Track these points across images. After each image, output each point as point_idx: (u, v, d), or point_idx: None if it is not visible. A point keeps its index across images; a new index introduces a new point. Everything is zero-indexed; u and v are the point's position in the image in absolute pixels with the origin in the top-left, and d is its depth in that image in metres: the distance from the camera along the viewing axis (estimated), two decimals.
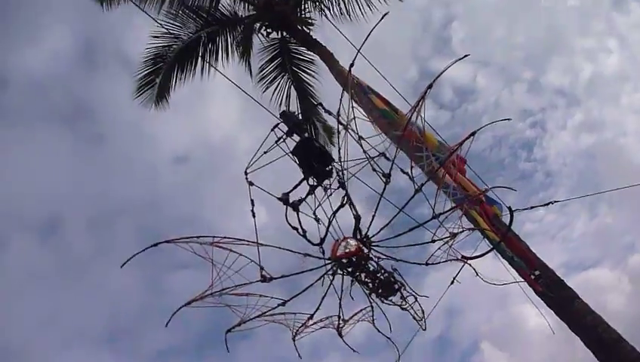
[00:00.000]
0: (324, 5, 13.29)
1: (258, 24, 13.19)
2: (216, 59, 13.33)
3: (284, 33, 13.35)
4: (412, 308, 6.67)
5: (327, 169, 6.17)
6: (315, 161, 6.08)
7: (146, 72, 13.26)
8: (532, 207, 7.30)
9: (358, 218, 6.08)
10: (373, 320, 6.73)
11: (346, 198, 6.13)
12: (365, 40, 6.05)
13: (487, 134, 34.73)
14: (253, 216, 6.16)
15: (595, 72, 37.10)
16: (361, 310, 6.71)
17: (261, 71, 14.08)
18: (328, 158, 6.18)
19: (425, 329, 6.90)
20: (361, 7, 13.11)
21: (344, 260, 5.99)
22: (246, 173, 6.25)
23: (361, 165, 6.30)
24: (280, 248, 6.25)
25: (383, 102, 10.25)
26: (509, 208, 6.31)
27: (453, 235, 6.34)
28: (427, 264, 6.44)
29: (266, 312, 6.17)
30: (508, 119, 7.04)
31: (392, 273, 6.29)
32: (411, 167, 6.26)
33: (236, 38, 13.45)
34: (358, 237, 6.14)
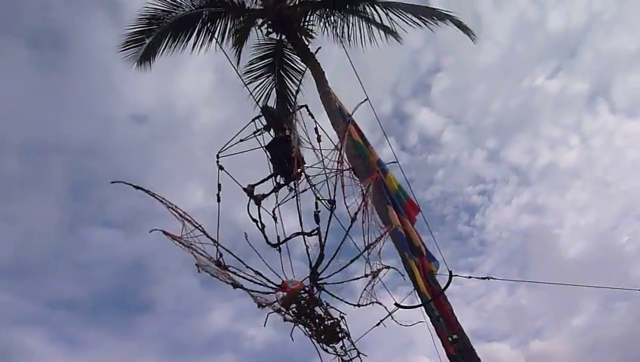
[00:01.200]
0: (329, 23, 13.55)
1: (261, 20, 13.31)
2: (211, 40, 13.30)
3: (283, 37, 13.50)
4: None
5: (298, 171, 6.38)
6: (286, 161, 6.29)
7: (137, 29, 13.06)
8: (470, 277, 7.69)
9: (321, 256, 6.22)
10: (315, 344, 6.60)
11: (316, 231, 6.18)
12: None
13: (437, 188, 35.77)
14: (218, 201, 6.28)
15: (552, 161, 38.94)
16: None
17: (250, 65, 14.14)
18: (300, 161, 6.39)
19: None
20: (362, 36, 13.48)
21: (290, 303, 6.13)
22: (217, 157, 6.40)
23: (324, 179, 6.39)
24: (235, 256, 6.30)
25: (359, 133, 10.53)
26: (450, 272, 6.72)
27: (376, 272, 6.68)
28: (359, 306, 6.68)
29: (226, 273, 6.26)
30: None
31: (339, 321, 6.46)
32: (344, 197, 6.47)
33: (235, 26, 13.49)
34: (310, 273, 6.30)
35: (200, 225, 6.24)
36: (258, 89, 14.31)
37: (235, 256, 6.35)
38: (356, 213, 6.37)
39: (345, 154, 7.35)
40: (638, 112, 39.61)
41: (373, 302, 6.78)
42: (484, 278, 7.74)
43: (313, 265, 6.24)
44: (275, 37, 13.72)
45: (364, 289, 6.72)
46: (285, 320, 6.28)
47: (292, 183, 6.53)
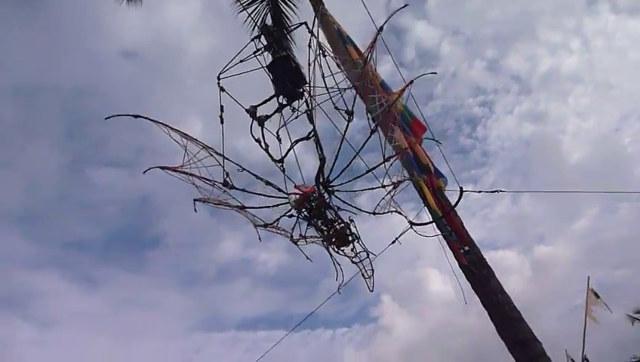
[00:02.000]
0: None
1: None
2: None
3: None
4: (362, 263, 7.06)
5: (299, 90, 6.30)
6: (288, 81, 6.21)
7: None
8: (480, 191, 7.88)
9: (323, 160, 6.35)
10: (327, 247, 6.95)
11: (312, 133, 6.30)
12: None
13: (437, 102, 35.61)
14: (222, 122, 6.26)
15: (553, 67, 38.61)
16: (316, 236, 6.95)
17: None
18: (302, 80, 6.30)
19: (372, 291, 7.28)
20: None
21: (304, 203, 6.37)
22: (219, 78, 6.29)
23: (328, 98, 6.47)
24: (244, 168, 6.49)
25: (359, 54, 10.43)
26: (460, 188, 6.89)
27: (397, 183, 6.97)
28: (375, 213, 7.01)
29: (228, 200, 6.52)
30: (434, 73, 7.61)
31: (349, 224, 6.70)
32: (367, 111, 6.82)
33: None
34: (320, 179, 6.47)
35: (205, 145, 6.35)
36: (252, 16, 13.97)
37: (244, 168, 6.52)
38: (376, 125, 6.59)
39: (348, 76, 7.39)
40: None
41: (391, 211, 7.05)
42: (493, 191, 7.94)
43: (318, 170, 6.41)
44: None
45: (383, 198, 6.97)
46: (297, 220, 6.58)
47: (294, 103, 6.46)
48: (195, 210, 6.32)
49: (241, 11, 13.93)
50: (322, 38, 11.10)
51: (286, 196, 6.49)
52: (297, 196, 6.42)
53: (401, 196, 7.32)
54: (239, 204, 6.60)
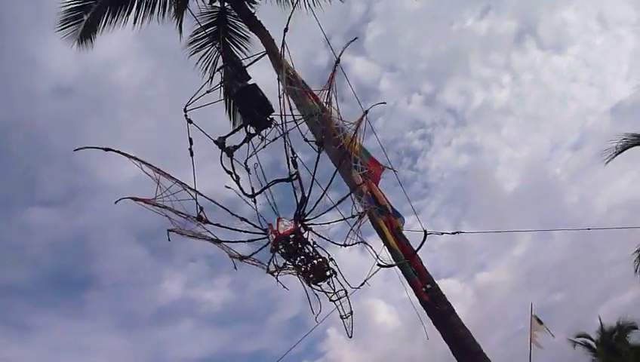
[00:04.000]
0: None
1: None
2: (152, 12, 13.03)
3: (226, 4, 13.39)
4: (340, 302, 7.07)
5: (267, 118, 6.41)
6: (256, 110, 6.31)
7: (73, 6, 12.63)
8: (442, 233, 8.27)
9: (304, 200, 6.48)
10: (302, 281, 6.89)
11: (295, 176, 6.38)
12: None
13: (378, 136, 36.52)
14: (191, 155, 6.26)
15: (486, 101, 40.48)
16: (289, 267, 6.86)
17: (195, 34, 13.96)
18: (269, 108, 6.40)
19: (351, 336, 7.24)
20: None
21: (281, 241, 6.41)
22: (185, 111, 6.33)
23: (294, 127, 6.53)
24: (218, 204, 6.60)
25: (314, 98, 10.79)
26: (425, 231, 7.25)
27: (361, 214, 7.24)
28: (345, 245, 7.09)
29: (203, 236, 6.52)
30: (384, 103, 8.04)
31: (327, 260, 6.75)
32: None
33: None
34: (299, 216, 6.57)
35: (178, 180, 6.32)
36: (203, 59, 14.18)
37: (219, 204, 6.58)
38: (344, 155, 7.16)
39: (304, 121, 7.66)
40: (564, 47, 41.57)
41: (358, 242, 7.22)
42: (454, 233, 8.38)
43: (297, 207, 6.48)
44: (218, 4, 13.54)
45: (350, 229, 7.08)
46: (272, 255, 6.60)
47: (263, 132, 6.57)
48: (169, 239, 6.26)
49: (193, 54, 14.15)
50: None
51: (262, 231, 6.51)
52: (275, 234, 6.41)
53: (364, 230, 7.54)
54: (214, 237, 6.58)
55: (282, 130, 6.37)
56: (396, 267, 8.65)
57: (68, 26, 12.69)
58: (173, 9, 13.40)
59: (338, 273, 6.85)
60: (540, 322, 16.28)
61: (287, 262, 6.60)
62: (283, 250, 6.44)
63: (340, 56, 6.55)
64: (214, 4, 13.52)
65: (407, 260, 8.13)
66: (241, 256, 6.74)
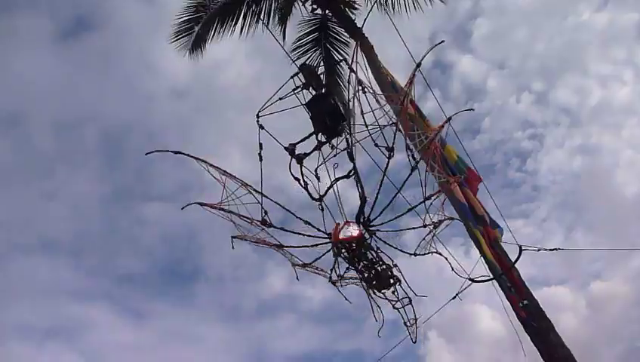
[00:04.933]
0: None
1: None
2: (257, 21, 13.55)
3: (328, 11, 13.62)
4: (405, 310, 6.90)
5: (338, 127, 6.30)
6: (327, 118, 6.21)
7: (185, 18, 13.46)
8: (539, 249, 7.94)
9: (363, 199, 6.35)
10: (366, 289, 6.79)
11: (352, 171, 6.34)
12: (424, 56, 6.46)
13: (485, 136, 35.34)
14: (260, 160, 6.33)
15: (604, 99, 37.70)
16: (355, 277, 6.81)
17: (298, 41, 14.35)
18: (341, 117, 6.31)
19: (415, 342, 7.09)
20: (407, 3, 13.40)
21: (343, 245, 6.26)
22: (257, 116, 6.39)
23: (368, 134, 6.44)
24: (283, 208, 6.57)
25: (414, 108, 10.73)
26: (520, 246, 7.00)
27: (437, 223, 6.88)
28: (415, 254, 6.93)
29: (266, 240, 6.54)
30: (471, 109, 7.56)
31: (392, 267, 6.61)
32: (408, 146, 6.68)
33: (279, 4, 13.69)
34: (361, 218, 6.44)
35: (243, 182, 6.38)
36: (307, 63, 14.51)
37: (282, 206, 6.53)
38: (417, 162, 6.56)
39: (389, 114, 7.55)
40: None
41: (432, 252, 7.00)
42: (552, 250, 8.02)
43: (359, 210, 6.40)
44: (319, 12, 13.82)
45: (423, 238, 6.89)
46: (335, 260, 6.55)
47: (333, 141, 6.48)
48: (233, 246, 6.36)
49: (297, 60, 14.52)
50: (373, 84, 11.58)
51: (326, 236, 6.44)
52: (340, 238, 6.25)
53: (448, 231, 7.34)
54: (277, 243, 6.62)
55: (350, 140, 6.41)
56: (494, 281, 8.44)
57: (181, 37, 13.53)
58: (277, 17, 13.88)
59: (402, 280, 6.71)
60: None
61: (350, 268, 6.54)
62: (346, 255, 6.34)
63: (421, 60, 6.39)
64: (316, 12, 13.76)
65: (502, 274, 7.87)
66: (303, 264, 6.78)
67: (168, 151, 6.20)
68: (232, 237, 6.37)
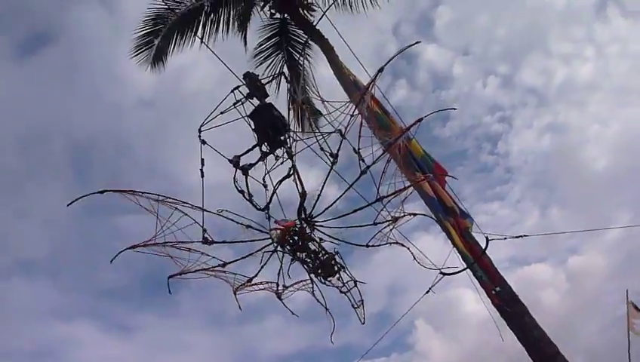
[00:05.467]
0: None
1: (262, 2, 13.54)
2: (217, 30, 13.58)
3: (286, 15, 13.71)
4: (351, 293, 7.02)
5: (281, 138, 6.24)
6: (270, 129, 6.17)
7: (144, 32, 13.40)
8: (505, 238, 8.15)
9: (303, 195, 6.34)
10: (313, 291, 6.97)
11: (292, 170, 6.29)
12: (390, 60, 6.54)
13: (455, 123, 35.78)
14: (202, 176, 6.24)
15: (569, 77, 38.37)
16: (302, 281, 6.93)
17: (258, 47, 14.41)
18: (284, 127, 6.24)
19: (363, 323, 7.16)
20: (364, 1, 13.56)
21: (286, 237, 6.30)
22: (200, 131, 6.31)
23: (315, 141, 6.40)
24: (221, 215, 6.42)
25: (377, 104, 10.87)
26: (486, 237, 7.15)
27: (395, 219, 6.82)
28: (368, 246, 6.88)
29: (208, 269, 6.35)
30: (454, 108, 7.60)
31: (334, 255, 6.64)
32: (359, 148, 6.38)
33: (237, 11, 13.73)
34: (302, 215, 6.43)
35: (177, 201, 6.21)
36: (269, 69, 14.61)
37: (219, 214, 6.41)
38: (368, 167, 6.40)
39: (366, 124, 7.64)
40: None
41: (390, 243, 7.04)
42: (517, 236, 8.23)
43: (299, 205, 6.36)
44: (278, 16, 13.89)
45: (379, 231, 6.88)
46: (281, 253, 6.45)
47: (276, 151, 6.41)
48: (170, 291, 6.25)
49: (259, 65, 14.61)
50: (336, 84, 11.69)
51: (267, 233, 6.44)
52: (278, 231, 6.31)
53: (427, 221, 7.30)
54: (220, 263, 6.48)
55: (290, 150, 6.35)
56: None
57: (141, 52, 13.46)
58: (237, 24, 13.92)
59: (345, 267, 6.74)
60: (638, 309, 15.57)
61: (294, 260, 6.55)
62: (288, 248, 6.39)
63: (384, 65, 6.42)
64: (275, 16, 13.83)
65: (472, 264, 8.05)
66: (245, 283, 6.73)
67: (93, 193, 5.88)
68: (169, 277, 6.27)
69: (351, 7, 13.52)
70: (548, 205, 37.57)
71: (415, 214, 7.52)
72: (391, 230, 6.98)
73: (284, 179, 6.41)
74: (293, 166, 6.32)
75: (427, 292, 7.53)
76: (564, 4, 37.89)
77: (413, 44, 6.99)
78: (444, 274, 7.28)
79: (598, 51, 38.29)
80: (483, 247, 8.77)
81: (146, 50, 13.49)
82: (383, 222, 6.80)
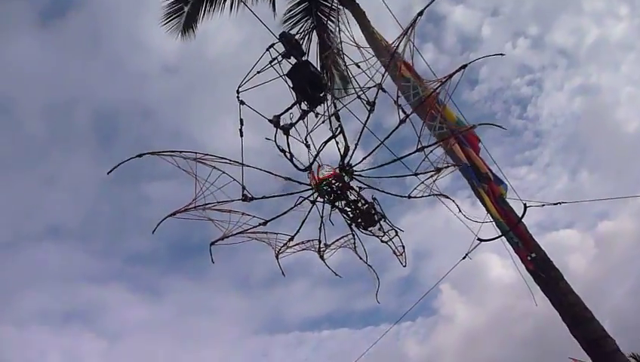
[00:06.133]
0: None
1: None
2: None
3: None
4: (392, 241, 7.01)
5: (320, 95, 6.18)
6: (309, 86, 6.06)
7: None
8: (543, 205, 8.14)
9: (347, 148, 6.36)
10: (355, 247, 7.06)
11: (338, 129, 6.34)
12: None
13: (484, 86, 35.20)
14: (241, 135, 6.20)
15: (601, 37, 37.34)
16: (342, 237, 7.01)
17: (288, 12, 14.30)
18: (323, 85, 6.21)
19: (405, 266, 7.21)
20: None
21: (325, 187, 6.29)
22: (238, 92, 6.22)
23: (353, 95, 6.50)
24: (261, 170, 6.41)
25: (409, 70, 10.78)
26: (524, 204, 7.17)
27: (438, 170, 6.88)
28: (409, 197, 6.96)
29: (248, 229, 6.37)
30: (501, 54, 7.44)
31: (372, 204, 6.63)
32: (397, 97, 6.56)
33: None
34: (342, 165, 6.42)
35: (217, 157, 6.15)
36: (299, 35, 14.48)
37: (260, 169, 6.39)
38: (407, 116, 6.45)
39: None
40: None
41: (432, 195, 7.05)
42: (555, 203, 8.22)
43: (342, 158, 6.37)
44: None
45: (422, 182, 6.89)
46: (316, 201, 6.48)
47: (318, 108, 6.35)
48: (212, 260, 6.24)
49: (290, 30, 14.50)
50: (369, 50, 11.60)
51: (308, 185, 6.41)
52: (315, 179, 6.28)
53: (454, 184, 7.02)
54: (260, 222, 6.46)
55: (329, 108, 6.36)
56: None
57: (171, 20, 13.47)
58: None
59: (385, 216, 6.71)
60: None
61: (334, 209, 6.53)
62: (327, 198, 6.37)
63: (423, 10, 6.32)
64: None
65: (508, 231, 8.09)
66: (286, 243, 6.75)
67: (131, 158, 5.82)
68: (211, 244, 6.27)
69: None
70: (577, 169, 37.14)
71: (459, 166, 7.41)
72: (434, 181, 6.98)
73: (330, 139, 6.36)
74: (340, 125, 6.29)
75: (464, 258, 7.63)
76: None
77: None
78: (482, 240, 7.35)
79: (633, 10, 37.08)
80: (518, 214, 8.84)
81: (176, 17, 13.50)
82: (425, 173, 6.79)
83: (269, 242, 6.69)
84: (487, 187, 9.31)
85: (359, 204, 6.53)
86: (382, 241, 6.97)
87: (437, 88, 6.83)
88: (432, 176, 6.92)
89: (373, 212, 6.60)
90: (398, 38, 6.79)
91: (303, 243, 6.90)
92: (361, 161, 6.50)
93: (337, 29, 6.31)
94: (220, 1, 13.46)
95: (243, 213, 6.33)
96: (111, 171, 5.62)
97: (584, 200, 9.55)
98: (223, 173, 6.08)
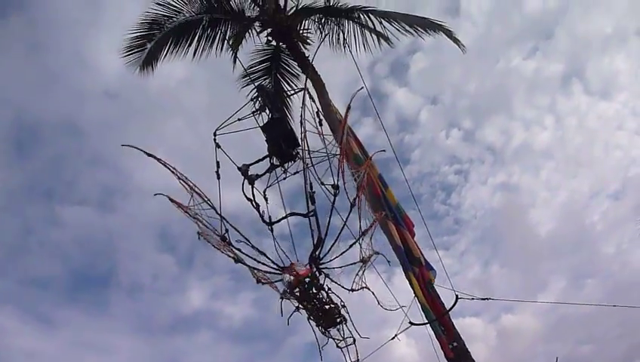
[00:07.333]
0: (324, 29, 14.05)
1: (260, 27, 13.76)
2: (211, 46, 13.70)
3: (282, 44, 13.96)
4: (348, 350, 7.05)
5: (291, 152, 6.39)
6: (283, 143, 6.29)
7: (138, 34, 13.39)
8: (473, 298, 8.49)
9: (319, 241, 6.34)
10: (312, 327, 6.83)
11: (312, 212, 6.21)
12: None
13: (414, 167, 36.61)
14: (218, 178, 6.25)
15: (526, 142, 40.11)
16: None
17: (249, 68, 14.58)
18: (296, 142, 6.36)
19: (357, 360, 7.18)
20: (357, 43, 14.03)
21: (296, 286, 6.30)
22: (215, 135, 6.35)
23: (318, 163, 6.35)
24: (241, 234, 6.34)
25: (359, 146, 11.19)
26: (456, 295, 7.49)
27: (367, 258, 7.04)
28: (352, 290, 7.02)
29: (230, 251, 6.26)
30: (383, 150, 8.04)
31: (339, 307, 6.75)
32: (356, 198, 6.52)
33: (234, 31, 13.91)
34: (315, 259, 6.44)
35: (208, 199, 6.25)
36: (254, 92, 14.71)
37: (240, 233, 6.39)
38: (355, 199, 6.54)
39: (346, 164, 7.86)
40: (611, 94, 41.00)
41: (363, 288, 7.18)
42: (484, 299, 8.59)
43: (313, 248, 6.37)
44: (274, 43, 14.12)
45: (357, 274, 7.02)
46: (283, 299, 6.49)
47: (286, 165, 6.57)
48: (199, 238, 6.20)
49: (245, 86, 14.76)
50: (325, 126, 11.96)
51: (279, 269, 6.43)
52: (291, 278, 6.30)
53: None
54: (235, 256, 6.43)
55: (304, 166, 6.38)
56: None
57: (132, 53, 13.42)
58: (230, 43, 14.06)
59: (348, 320, 6.86)
60: None
61: (300, 307, 6.57)
62: (297, 294, 6.42)
63: (349, 103, 6.72)
64: (271, 43, 14.05)
65: (436, 319, 8.35)
66: (258, 280, 6.67)
67: (143, 151, 5.99)
68: (198, 232, 6.25)
69: (344, 46, 13.96)
70: (490, 261, 38.77)
71: (378, 253, 7.68)
72: (363, 271, 7.15)
73: (299, 215, 6.41)
74: (314, 210, 6.21)
75: (393, 338, 7.77)
76: (533, 72, 39.79)
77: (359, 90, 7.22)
78: (413, 324, 7.57)
79: (558, 121, 40.27)
80: (443, 300, 9.18)
81: (137, 52, 13.46)
82: (362, 261, 6.97)
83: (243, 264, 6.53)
84: (418, 271, 9.62)
85: (325, 305, 6.57)
86: (337, 346, 7.00)
87: (363, 175, 7.31)
88: (362, 268, 7.08)
89: (336, 314, 6.68)
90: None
91: (274, 285, 6.73)
92: (329, 251, 6.54)
93: (302, 102, 6.43)
94: (184, 45, 13.57)
95: (228, 243, 6.25)
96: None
97: (509, 299, 9.92)
98: (212, 207, 6.20)
